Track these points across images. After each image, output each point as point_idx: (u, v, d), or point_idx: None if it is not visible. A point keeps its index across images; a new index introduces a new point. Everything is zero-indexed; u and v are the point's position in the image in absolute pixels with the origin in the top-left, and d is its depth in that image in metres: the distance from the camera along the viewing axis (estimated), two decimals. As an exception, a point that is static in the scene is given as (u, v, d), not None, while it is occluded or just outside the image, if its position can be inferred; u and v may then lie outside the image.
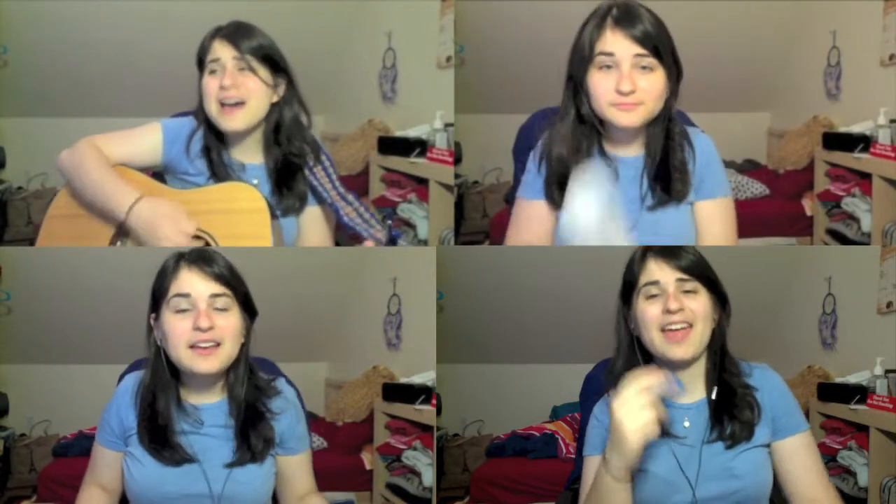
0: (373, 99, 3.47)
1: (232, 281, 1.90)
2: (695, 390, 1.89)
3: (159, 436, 1.88)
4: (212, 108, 2.17)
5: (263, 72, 2.17)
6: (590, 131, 2.07)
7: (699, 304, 1.85)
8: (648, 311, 1.86)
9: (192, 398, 1.92)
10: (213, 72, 2.16)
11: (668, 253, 1.89)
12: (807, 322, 3.31)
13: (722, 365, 1.89)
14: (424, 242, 3.36)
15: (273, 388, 1.96)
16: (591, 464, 1.88)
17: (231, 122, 2.17)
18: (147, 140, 2.22)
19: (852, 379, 3.18)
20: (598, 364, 2.14)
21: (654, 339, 1.85)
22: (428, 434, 3.26)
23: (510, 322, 3.49)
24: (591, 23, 2.01)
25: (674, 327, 1.83)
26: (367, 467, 3.43)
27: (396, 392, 3.35)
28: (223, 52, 2.16)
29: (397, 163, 3.42)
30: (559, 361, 3.44)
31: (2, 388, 3.38)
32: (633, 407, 1.68)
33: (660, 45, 1.98)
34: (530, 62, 3.37)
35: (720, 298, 1.89)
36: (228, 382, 1.91)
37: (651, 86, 1.99)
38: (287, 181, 2.22)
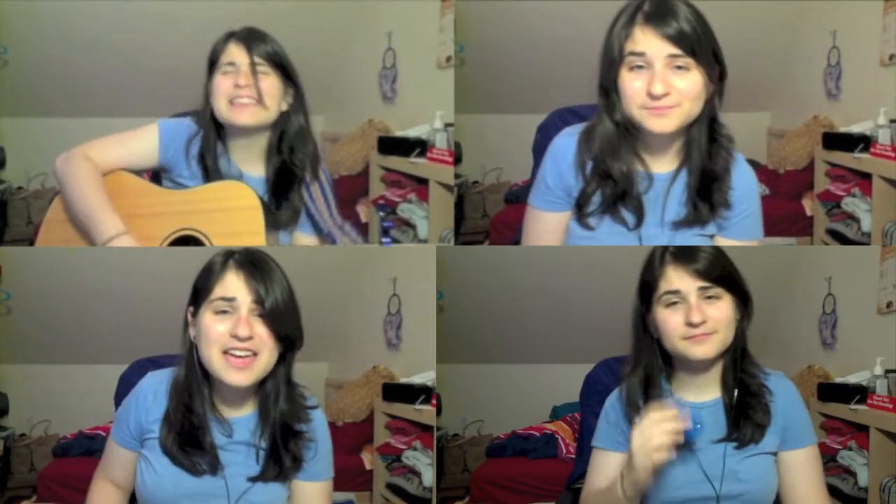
0: (373, 99, 3.47)
1: None
2: (709, 389, 1.87)
3: (191, 439, 1.83)
4: (221, 106, 2.16)
5: (276, 78, 2.17)
6: (626, 139, 1.90)
7: (721, 310, 1.80)
8: (670, 321, 1.80)
9: (222, 408, 1.86)
10: (226, 73, 2.16)
11: (687, 257, 1.80)
12: (807, 322, 3.30)
13: (741, 365, 1.85)
14: (424, 242, 3.36)
15: (306, 414, 1.91)
16: (597, 455, 1.89)
17: (241, 117, 2.15)
18: (143, 142, 2.21)
19: (852, 379, 3.18)
20: (598, 364, 2.14)
21: (676, 346, 1.81)
22: (428, 434, 3.26)
23: (510, 322, 3.48)
24: (620, 21, 1.86)
25: (696, 332, 1.79)
26: (367, 467, 3.43)
27: (396, 392, 3.35)
28: (239, 54, 2.16)
29: (397, 163, 3.41)
30: (559, 361, 3.44)
31: (2, 388, 3.37)
32: (651, 442, 1.69)
33: (696, 45, 1.82)
34: (530, 62, 3.37)
35: (742, 298, 1.83)
36: (262, 394, 1.86)
37: (688, 87, 1.84)
38: (284, 192, 2.21)
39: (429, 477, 3.24)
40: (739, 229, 1.96)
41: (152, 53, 3.33)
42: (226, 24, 2.23)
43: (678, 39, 1.81)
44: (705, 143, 1.90)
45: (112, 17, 3.29)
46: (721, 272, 1.81)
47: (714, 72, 1.87)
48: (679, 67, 1.82)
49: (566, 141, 1.98)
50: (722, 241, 1.95)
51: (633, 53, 1.83)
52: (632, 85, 1.84)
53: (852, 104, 3.37)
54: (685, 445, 1.79)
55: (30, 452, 3.41)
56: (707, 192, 1.91)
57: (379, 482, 3.38)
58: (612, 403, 1.91)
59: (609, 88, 1.88)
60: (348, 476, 3.36)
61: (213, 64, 2.19)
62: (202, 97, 2.21)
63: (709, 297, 1.79)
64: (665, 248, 1.84)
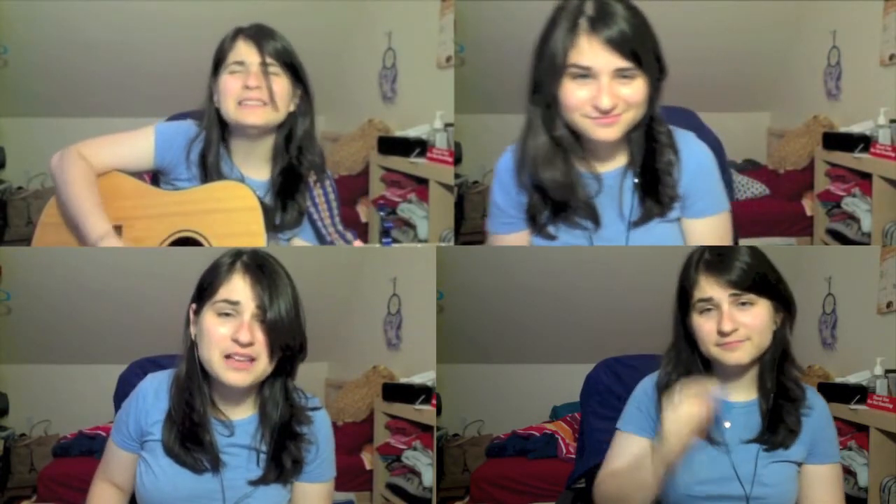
0: (373, 99, 3.47)
1: None
2: (744, 390, 1.86)
3: (193, 436, 1.82)
4: (229, 107, 2.10)
5: (286, 78, 2.12)
6: (566, 146, 1.86)
7: (755, 317, 1.79)
8: (703, 327, 1.80)
9: (223, 407, 1.85)
10: (234, 72, 2.10)
11: (719, 266, 1.80)
12: (807, 322, 3.30)
13: (781, 367, 1.85)
14: (424, 242, 3.36)
15: (307, 416, 1.89)
16: (621, 438, 1.88)
17: (251, 117, 2.09)
18: (138, 144, 2.16)
19: (852, 379, 3.18)
20: (598, 364, 2.13)
21: (710, 352, 1.82)
22: (428, 434, 3.26)
23: (510, 322, 3.48)
24: (562, 25, 1.80)
25: (729, 340, 1.80)
26: (367, 467, 3.43)
27: (396, 392, 3.35)
28: (248, 53, 2.10)
29: (397, 163, 3.42)
30: (559, 361, 3.44)
31: (2, 388, 3.38)
32: (683, 418, 1.70)
33: (639, 48, 1.78)
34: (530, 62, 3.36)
35: (782, 301, 1.83)
36: (262, 397, 1.85)
37: (633, 93, 1.79)
38: (290, 193, 2.17)
39: (429, 477, 3.24)
40: (701, 207, 1.91)
41: (152, 53, 3.33)
42: (226, 25, 2.19)
43: (622, 45, 1.77)
44: (643, 142, 1.86)
45: (112, 17, 3.30)
46: (754, 281, 1.80)
47: (655, 73, 1.82)
48: (624, 77, 1.79)
49: (507, 158, 1.96)
50: (688, 223, 1.92)
51: (577, 66, 1.79)
52: (575, 94, 1.80)
53: (852, 104, 3.37)
54: (714, 441, 1.81)
55: (30, 452, 3.41)
56: (654, 191, 1.89)
57: (379, 482, 3.38)
58: (646, 390, 1.90)
59: (546, 96, 1.84)
60: (348, 476, 3.36)
61: (219, 62, 2.13)
62: (206, 96, 2.15)
63: (742, 304, 1.79)
64: (701, 254, 1.83)
